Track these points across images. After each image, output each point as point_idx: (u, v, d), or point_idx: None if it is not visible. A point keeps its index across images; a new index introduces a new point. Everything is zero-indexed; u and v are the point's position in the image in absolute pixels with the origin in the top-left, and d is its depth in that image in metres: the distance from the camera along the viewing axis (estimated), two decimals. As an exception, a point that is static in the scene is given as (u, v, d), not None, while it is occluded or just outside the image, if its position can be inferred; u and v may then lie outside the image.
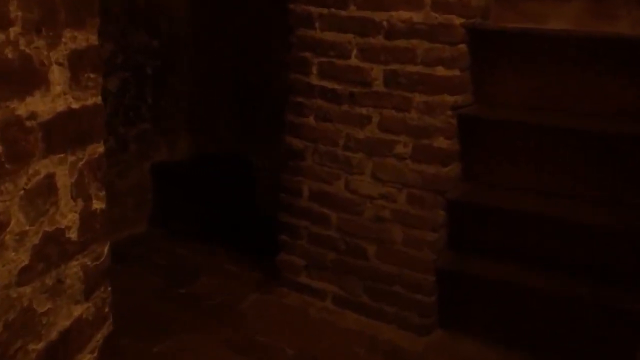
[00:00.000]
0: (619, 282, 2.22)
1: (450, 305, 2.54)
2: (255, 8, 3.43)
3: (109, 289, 1.53)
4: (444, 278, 2.51)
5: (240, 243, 3.34)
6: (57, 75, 1.31)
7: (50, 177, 1.31)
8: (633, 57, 2.22)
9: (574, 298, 2.24)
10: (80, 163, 1.39)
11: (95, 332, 1.47)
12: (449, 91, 2.38)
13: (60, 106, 1.32)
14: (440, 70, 2.37)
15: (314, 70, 2.63)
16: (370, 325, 2.66)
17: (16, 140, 1.20)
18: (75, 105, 1.37)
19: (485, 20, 2.49)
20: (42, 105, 1.27)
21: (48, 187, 1.31)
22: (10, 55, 1.17)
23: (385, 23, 2.43)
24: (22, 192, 1.22)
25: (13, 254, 1.21)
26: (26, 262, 1.25)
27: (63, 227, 1.35)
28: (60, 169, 1.34)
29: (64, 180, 1.35)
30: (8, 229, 1.19)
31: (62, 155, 1.34)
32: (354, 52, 2.53)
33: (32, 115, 1.23)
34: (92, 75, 1.41)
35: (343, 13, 2.51)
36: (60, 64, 1.31)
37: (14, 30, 1.17)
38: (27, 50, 1.21)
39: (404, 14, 2.38)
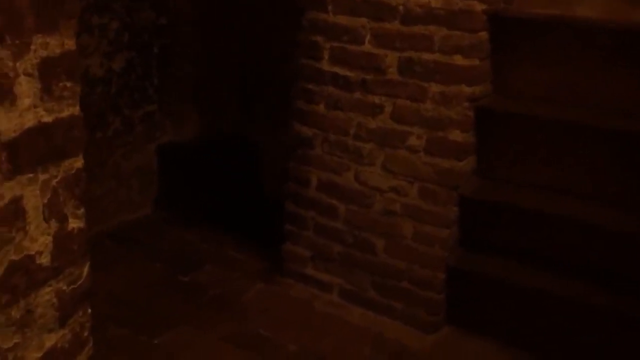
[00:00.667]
0: (635, 289, 2.06)
1: (459, 304, 2.41)
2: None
3: (89, 311, 1.39)
4: (454, 276, 2.38)
5: (245, 229, 3.21)
6: (25, 87, 1.15)
7: (17, 200, 1.16)
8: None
9: (587, 303, 2.09)
10: (54, 181, 1.24)
11: (73, 360, 1.33)
12: (466, 81, 2.21)
13: (29, 121, 1.17)
14: (459, 59, 2.20)
15: (325, 55, 2.46)
16: (376, 321, 2.53)
17: (-28, 166, 1.05)
18: (47, 119, 1.21)
19: (509, 5, 2.30)
20: (6, 123, 1.11)
21: (14, 212, 1.16)
22: (-36, 71, 1.02)
23: (401, 7, 2.26)
24: (-20, 222, 1.08)
25: (-29, 289, 1.08)
26: (-13, 298, 1.11)
27: (33, 253, 1.21)
28: (30, 190, 1.19)
29: (34, 201, 1.20)
30: (-37, 264, 1.05)
31: (31, 175, 1.19)
32: (368, 37, 2.36)
33: (-7, 135, 1.08)
34: (68, 84, 1.25)
35: (357, -5, 2.33)
36: (28, 75, 1.15)
37: (-32, 43, 1.02)
38: (-14, 63, 1.06)
39: (422, -1, 2.20)
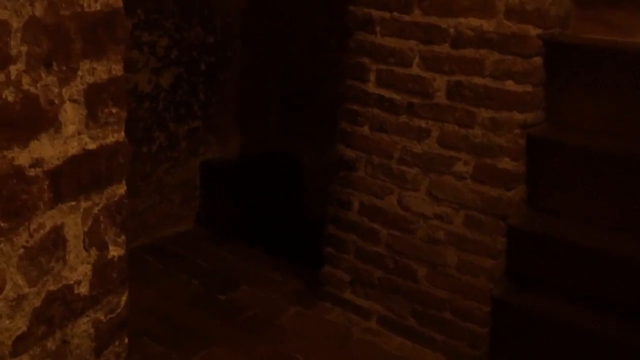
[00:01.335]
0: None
1: (503, 338, 2.28)
2: (312, 7, 3.20)
3: (126, 340, 1.32)
4: (499, 309, 2.25)
5: (285, 249, 3.14)
6: (71, 114, 1.11)
7: (58, 229, 1.12)
8: None
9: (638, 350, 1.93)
10: (96, 209, 1.19)
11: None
12: (518, 108, 2.09)
13: (74, 149, 1.12)
14: (510, 85, 2.09)
15: (372, 77, 2.38)
16: (415, 351, 2.43)
17: (14, 194, 1.00)
18: (91, 146, 1.16)
19: (565, 31, 2.18)
20: (50, 150, 1.07)
21: (54, 241, 1.11)
22: (10, 98, 0.97)
23: (452, 30, 2.16)
24: (21, 251, 1.04)
25: (7, 321, 1.03)
26: (24, 329, 1.06)
27: (72, 282, 1.16)
28: (71, 219, 1.14)
29: (75, 230, 1.15)
30: (1, 295, 1.00)
31: (73, 203, 1.14)
32: (416, 60, 2.27)
33: (37, 163, 1.04)
34: (113, 110, 1.20)
35: (406, 18, 2.25)
36: (74, 101, 1.11)
37: (15, 69, 0.97)
38: (33, 90, 1.02)
39: (474, 22, 2.11)
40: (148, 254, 3.01)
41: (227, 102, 3.33)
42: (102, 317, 1.23)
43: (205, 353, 2.34)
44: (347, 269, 2.60)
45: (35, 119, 1.03)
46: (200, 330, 2.47)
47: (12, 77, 0.97)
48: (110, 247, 1.22)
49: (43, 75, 1.03)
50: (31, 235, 1.05)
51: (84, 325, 1.19)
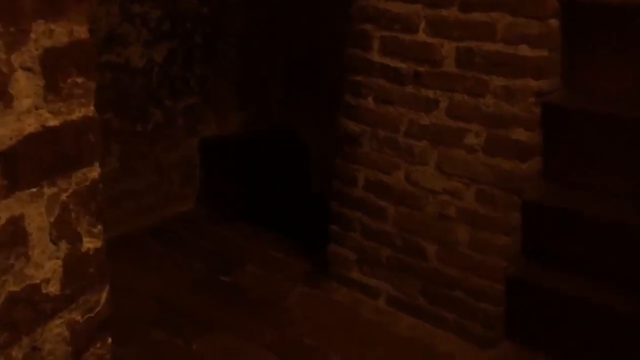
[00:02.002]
0: None
1: (518, 317, 2.16)
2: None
3: (109, 340, 1.20)
4: (513, 287, 2.12)
5: (289, 227, 3.01)
6: (24, 85, 0.95)
7: (17, 221, 0.97)
8: None
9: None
10: (64, 195, 1.05)
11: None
12: (533, 75, 1.93)
13: (30, 126, 0.97)
14: (525, 50, 1.92)
15: (375, 45, 2.22)
16: (426, 331, 2.31)
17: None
18: (53, 123, 1.01)
19: (582, -11, 2.00)
20: (0, 129, 0.91)
21: (13, 235, 0.97)
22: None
23: (460, -8, 1.99)
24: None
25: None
26: (-19, 339, 0.93)
27: (38, 281, 1.02)
28: (33, 208, 1.00)
29: (38, 221, 1.01)
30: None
31: (34, 190, 0.99)
32: (422, 25, 2.11)
33: (-19, 146, 0.89)
34: (79, 80, 1.04)
35: (411, -21, 2.08)
36: (28, 69, 0.95)
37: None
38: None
39: (484, -18, 1.93)
40: (147, 236, 2.89)
41: (226, 76, 3.17)
42: (79, 318, 1.10)
43: (208, 338, 2.24)
44: (353, 248, 2.48)
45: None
46: (203, 314, 2.36)
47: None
48: (85, 239, 1.09)
49: (-16, 39, 0.88)
50: (-19, 231, 0.91)
51: (56, 328, 1.06)
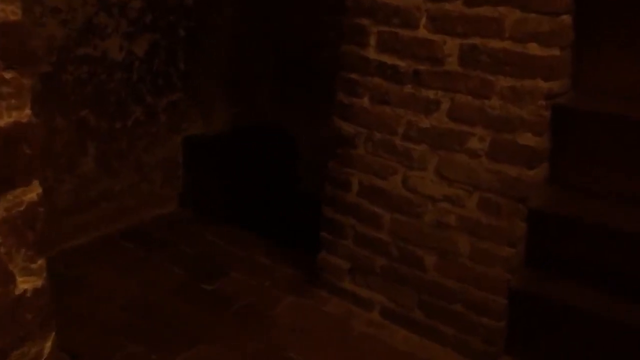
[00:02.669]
0: None
1: (520, 332, 2.00)
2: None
3: None
4: (517, 301, 1.97)
5: (277, 230, 2.84)
6: None
7: None
8: None
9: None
10: None
11: None
12: (543, 75, 1.77)
13: None
14: (534, 48, 1.76)
15: (372, 41, 2.05)
16: (423, 346, 2.16)
17: None
18: None
19: (597, -17, 1.85)
20: None
21: None
22: None
23: (466, -15, 1.82)
24: None
25: None
26: None
27: None
28: None
29: None
30: None
31: None
32: (423, 20, 1.94)
33: None
34: (7, 76, 0.83)
35: (413, -29, 1.91)
36: None
37: None
38: None
39: (492, -26, 1.77)
40: (126, 239, 2.70)
41: (212, 71, 2.98)
42: (17, 374, 0.90)
43: (191, 352, 2.06)
44: (345, 256, 2.31)
45: None
46: (185, 325, 2.18)
47: None
48: (19, 279, 0.87)
49: None
50: None
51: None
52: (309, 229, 2.47)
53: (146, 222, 2.84)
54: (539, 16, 1.75)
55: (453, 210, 2.02)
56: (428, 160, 2.04)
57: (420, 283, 2.14)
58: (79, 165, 2.54)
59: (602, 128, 1.84)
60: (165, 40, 2.74)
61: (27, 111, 0.84)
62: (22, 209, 0.84)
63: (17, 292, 0.87)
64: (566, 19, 1.78)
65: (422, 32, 1.96)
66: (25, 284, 0.88)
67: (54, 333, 0.94)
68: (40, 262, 0.88)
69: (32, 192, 0.85)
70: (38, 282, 0.89)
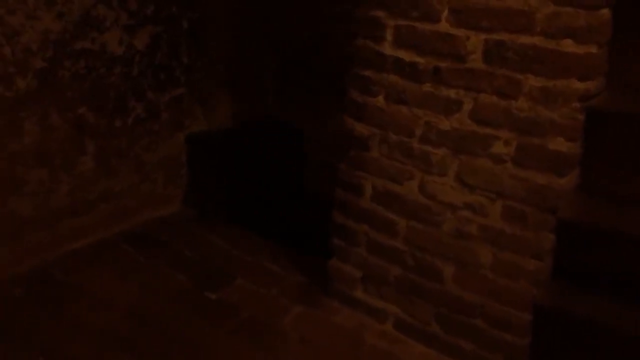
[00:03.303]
0: None
1: (546, 350, 1.85)
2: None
3: None
4: (543, 317, 1.81)
5: (284, 232, 2.69)
6: None
7: None
8: None
9: None
10: None
11: None
12: (578, 75, 1.61)
13: None
14: (569, 45, 1.59)
15: (388, 35, 1.89)
16: (440, 362, 2.00)
17: None
18: None
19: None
20: None
21: None
22: None
23: (493, -25, 1.65)
24: None
25: None
26: None
27: None
28: None
29: None
30: None
31: None
32: (445, 13, 1.78)
33: None
34: None
35: (434, -41, 1.74)
36: None
37: None
38: None
39: (523, -37, 1.60)
40: (126, 242, 2.56)
41: (216, 65, 2.82)
42: None
43: (193, 369, 1.92)
44: (357, 264, 2.16)
45: None
46: (186, 338, 2.05)
47: None
48: None
49: None
50: None
51: None
52: (319, 231, 2.32)
53: (147, 224, 2.70)
54: (575, 10, 1.58)
55: (474, 219, 1.86)
56: (448, 165, 1.88)
57: (438, 295, 1.99)
58: (77, 165, 2.39)
59: (636, 131, 1.68)
60: (168, 32, 2.58)
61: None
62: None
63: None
64: (606, 13, 1.61)
65: (444, 26, 1.79)
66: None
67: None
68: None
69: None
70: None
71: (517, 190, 1.77)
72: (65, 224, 2.40)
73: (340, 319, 2.19)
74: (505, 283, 1.85)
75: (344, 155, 2.10)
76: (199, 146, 2.82)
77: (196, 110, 2.80)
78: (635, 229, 1.68)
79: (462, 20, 1.75)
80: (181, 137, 2.77)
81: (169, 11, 2.57)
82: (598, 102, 1.70)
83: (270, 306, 2.24)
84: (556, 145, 1.68)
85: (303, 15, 2.82)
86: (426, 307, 2.03)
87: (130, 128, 2.55)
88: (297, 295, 2.31)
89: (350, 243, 2.16)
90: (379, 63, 1.94)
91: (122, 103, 2.49)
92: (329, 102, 2.29)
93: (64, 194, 2.37)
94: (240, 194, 2.81)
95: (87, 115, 2.37)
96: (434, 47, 1.82)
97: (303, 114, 2.91)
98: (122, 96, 2.48)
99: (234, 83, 2.93)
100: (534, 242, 1.77)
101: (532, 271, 1.80)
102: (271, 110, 3.02)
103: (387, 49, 1.91)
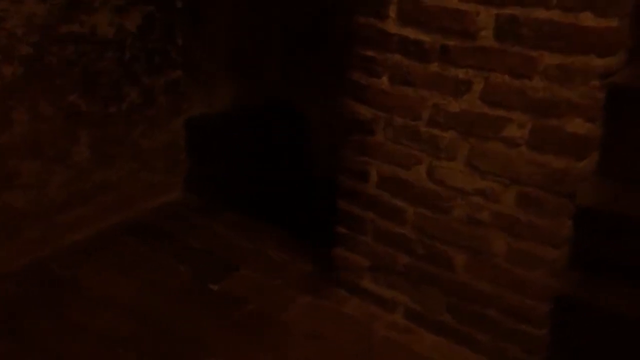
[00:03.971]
0: None
1: (565, 342, 1.76)
2: None
3: None
4: (563, 308, 1.72)
5: (289, 218, 2.60)
6: None
7: None
8: None
9: None
10: None
11: None
12: (598, 51, 1.48)
13: None
14: (588, 18, 1.47)
15: (392, 12, 1.76)
16: (453, 352, 1.95)
17: None
18: None
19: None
20: None
21: None
22: None
23: (504, -57, 1.52)
24: None
25: None
26: None
27: None
28: None
29: None
30: None
31: None
32: (452, -14, 1.64)
33: None
34: None
35: None
36: None
37: None
38: None
39: None
40: (126, 234, 2.48)
41: (214, 45, 2.70)
42: None
43: (196, 366, 1.85)
44: (364, 253, 2.08)
45: None
46: (189, 333, 1.98)
47: None
48: None
49: None
50: None
51: None
52: (325, 216, 2.23)
53: (148, 214, 2.62)
54: (594, -21, 1.45)
55: (486, 205, 1.76)
56: (457, 149, 1.77)
57: (449, 284, 1.91)
58: (71, 155, 2.30)
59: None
60: (161, 12, 2.46)
61: None
62: None
63: None
64: (628, -19, 1.48)
65: (451, 1, 1.66)
66: None
67: None
68: None
69: None
70: None
71: (532, 175, 1.66)
72: (62, 216, 2.32)
73: (348, 309, 2.12)
74: (520, 272, 1.76)
75: (347, 140, 1.99)
76: (198, 131, 2.72)
77: (195, 94, 2.69)
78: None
79: (471, -7, 1.62)
80: (179, 122, 2.67)
81: (162, -11, 2.44)
82: (618, 79, 1.58)
83: (275, 297, 2.17)
84: (574, 127, 1.56)
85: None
86: (437, 296, 1.95)
87: (125, 114, 2.45)
88: (303, 285, 2.23)
89: (357, 231, 2.07)
90: (382, 42, 1.82)
91: (116, 89, 2.38)
92: (335, 83, 2.18)
93: (59, 185, 2.29)
94: (243, 179, 2.72)
95: (78, 102, 2.27)
96: (441, 24, 1.70)
97: (307, 95, 2.79)
98: (115, 81, 2.37)
99: (234, 64, 2.82)
100: (551, 230, 1.67)
101: (550, 260, 1.70)
102: (274, 92, 2.91)
103: (391, 27, 1.79)
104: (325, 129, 2.72)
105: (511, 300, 1.80)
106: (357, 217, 2.05)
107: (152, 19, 2.45)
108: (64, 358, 1.84)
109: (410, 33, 1.75)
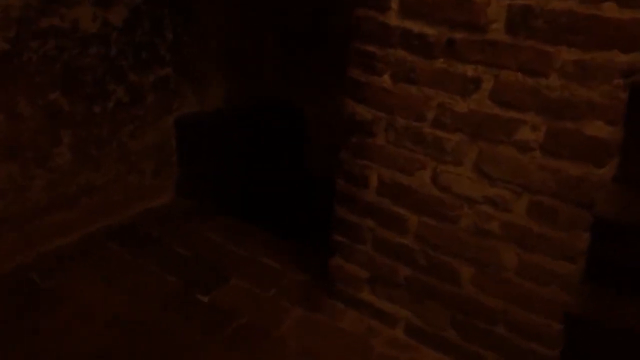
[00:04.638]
0: None
1: (579, 361, 1.61)
2: None
3: None
4: (577, 327, 1.57)
5: (284, 223, 2.46)
6: None
7: None
8: None
9: None
10: None
11: None
12: (622, 46, 1.33)
13: None
14: (611, 9, 1.32)
15: (394, 3, 1.62)
16: (457, 372, 1.77)
17: None
18: None
19: None
20: None
21: None
22: None
23: None
24: None
25: None
26: None
27: None
28: None
29: None
30: None
31: None
32: (460, -25, 1.49)
33: None
34: None
35: None
36: None
37: None
38: None
39: None
40: (113, 239, 2.34)
41: (205, 41, 2.55)
42: None
43: (181, 385, 1.70)
44: (363, 264, 1.93)
45: None
46: (174, 349, 1.84)
47: None
48: None
49: None
50: None
51: None
52: (323, 218, 2.08)
53: (136, 219, 2.48)
54: (618, -34, 1.30)
55: (496, 215, 1.61)
56: (465, 153, 1.62)
57: (454, 299, 1.76)
58: (52, 157, 2.16)
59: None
60: (148, 5, 2.31)
61: None
62: None
63: None
64: (656, -33, 1.32)
65: (458, -9, 1.51)
66: None
67: None
68: None
69: None
70: None
71: (546, 182, 1.51)
72: (44, 221, 2.18)
73: (345, 324, 1.97)
74: (531, 287, 1.61)
75: (346, 141, 1.84)
76: (189, 130, 2.57)
77: (185, 91, 2.54)
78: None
79: (481, -18, 1.47)
80: (169, 121, 2.52)
81: (149, -19, 2.30)
82: (643, 77, 1.42)
83: (268, 310, 2.03)
84: (594, 130, 1.41)
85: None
86: (441, 312, 1.80)
87: (111, 114, 2.30)
88: (297, 296, 2.08)
89: (355, 240, 1.92)
90: (383, 36, 1.67)
91: (101, 87, 2.24)
92: (334, 82, 2.04)
93: (40, 189, 2.14)
94: (237, 181, 2.57)
95: (60, 101, 2.13)
96: (447, 16, 1.55)
97: (304, 92, 2.65)
98: (99, 79, 2.23)
99: (228, 60, 2.67)
100: (566, 243, 1.52)
101: (563, 275, 1.56)
102: (269, 89, 2.76)
103: (393, 20, 1.64)
104: (325, 129, 2.58)
105: (521, 317, 1.65)
106: (355, 225, 1.91)
107: (139, 12, 2.30)
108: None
109: (414, 26, 1.60)
